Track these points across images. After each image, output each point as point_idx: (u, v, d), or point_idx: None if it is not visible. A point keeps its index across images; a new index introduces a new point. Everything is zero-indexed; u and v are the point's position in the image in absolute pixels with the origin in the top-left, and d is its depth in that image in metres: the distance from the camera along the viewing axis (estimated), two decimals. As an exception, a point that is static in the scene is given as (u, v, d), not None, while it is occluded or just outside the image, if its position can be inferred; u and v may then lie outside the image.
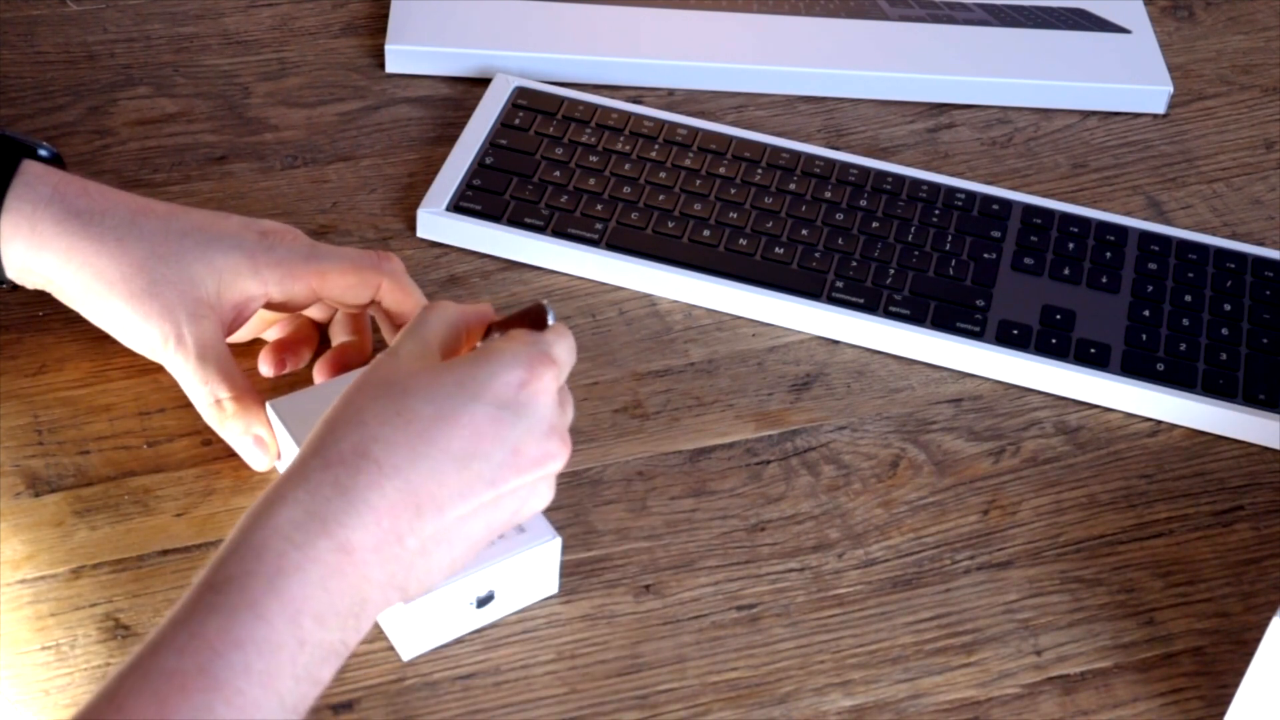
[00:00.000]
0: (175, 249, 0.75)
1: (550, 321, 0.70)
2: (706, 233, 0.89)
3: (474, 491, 0.65)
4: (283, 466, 0.77)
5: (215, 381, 0.75)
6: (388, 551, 0.62)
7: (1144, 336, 0.86)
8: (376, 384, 0.66)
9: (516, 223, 0.89)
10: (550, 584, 0.74)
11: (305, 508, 0.61)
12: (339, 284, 0.78)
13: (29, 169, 0.76)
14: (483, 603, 0.71)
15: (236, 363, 0.76)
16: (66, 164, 0.81)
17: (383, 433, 0.63)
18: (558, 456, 0.67)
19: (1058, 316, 0.87)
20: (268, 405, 0.76)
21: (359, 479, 0.62)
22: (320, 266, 0.77)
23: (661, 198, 0.90)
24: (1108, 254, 0.90)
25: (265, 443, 0.76)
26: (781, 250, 0.88)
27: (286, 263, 0.77)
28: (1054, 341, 0.85)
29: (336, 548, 0.61)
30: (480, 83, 0.99)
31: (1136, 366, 0.85)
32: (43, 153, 0.79)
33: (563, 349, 0.69)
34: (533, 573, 0.72)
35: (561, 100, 0.96)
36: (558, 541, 0.72)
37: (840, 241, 0.89)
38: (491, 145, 0.92)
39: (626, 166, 0.92)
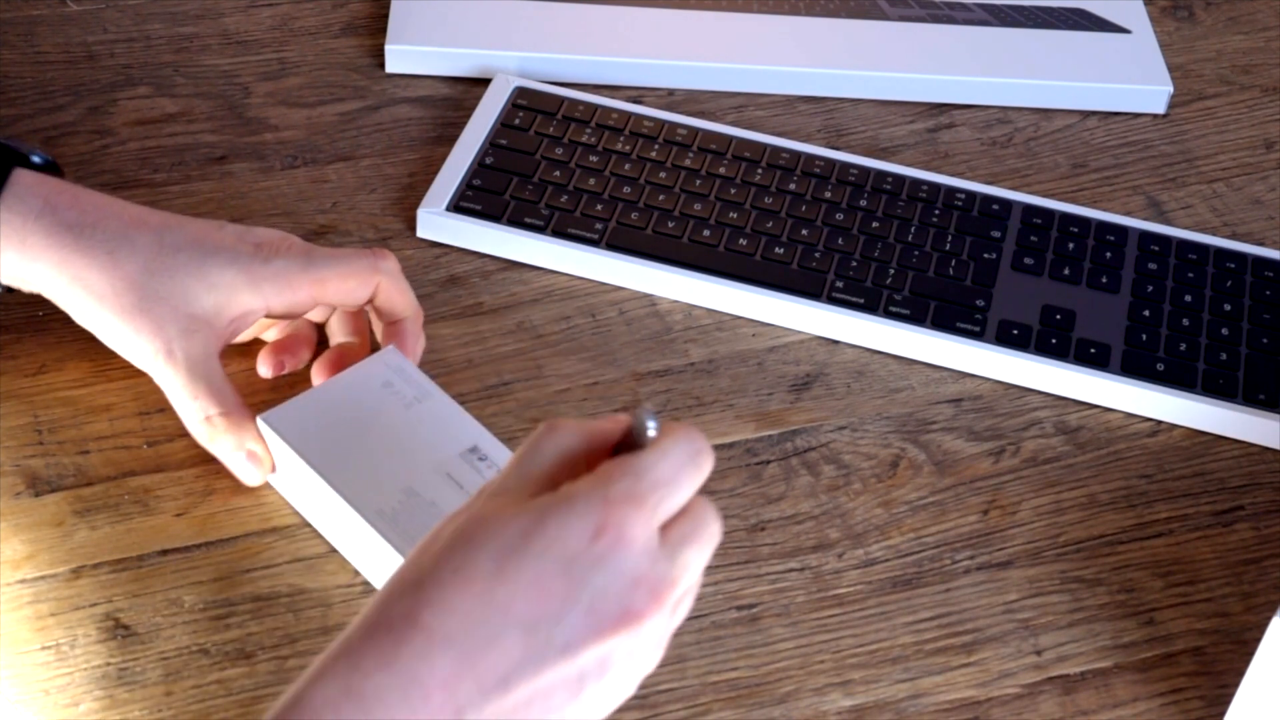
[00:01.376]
0: (169, 264, 0.74)
1: (651, 433, 0.59)
2: (706, 233, 0.89)
3: (545, 661, 0.56)
4: (277, 480, 0.76)
5: (204, 398, 0.74)
6: None
7: (1144, 336, 0.86)
8: (453, 532, 0.58)
9: (516, 223, 0.89)
10: None
11: (344, 683, 0.54)
12: (338, 289, 0.77)
13: (20, 179, 0.75)
14: None
15: (228, 377, 0.76)
16: (64, 168, 0.80)
17: (438, 595, 0.55)
18: (647, 612, 0.57)
19: (1058, 316, 0.87)
20: (259, 418, 0.75)
21: (404, 649, 0.54)
22: (318, 274, 0.76)
23: (661, 198, 0.90)
24: (1108, 254, 0.90)
25: (259, 457, 0.75)
26: (781, 250, 0.88)
27: (284, 275, 0.76)
28: (1054, 341, 0.85)
29: None
30: (480, 83, 0.99)
31: (1136, 366, 0.85)
32: (36, 159, 0.78)
33: (663, 466, 0.59)
34: None
35: (561, 100, 0.96)
36: None
37: (840, 241, 0.89)
38: (491, 145, 0.92)
39: (626, 166, 0.92)
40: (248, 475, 0.76)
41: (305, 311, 0.79)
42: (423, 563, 0.57)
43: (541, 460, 0.60)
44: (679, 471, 0.59)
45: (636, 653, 0.58)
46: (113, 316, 0.74)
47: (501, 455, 0.74)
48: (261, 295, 0.75)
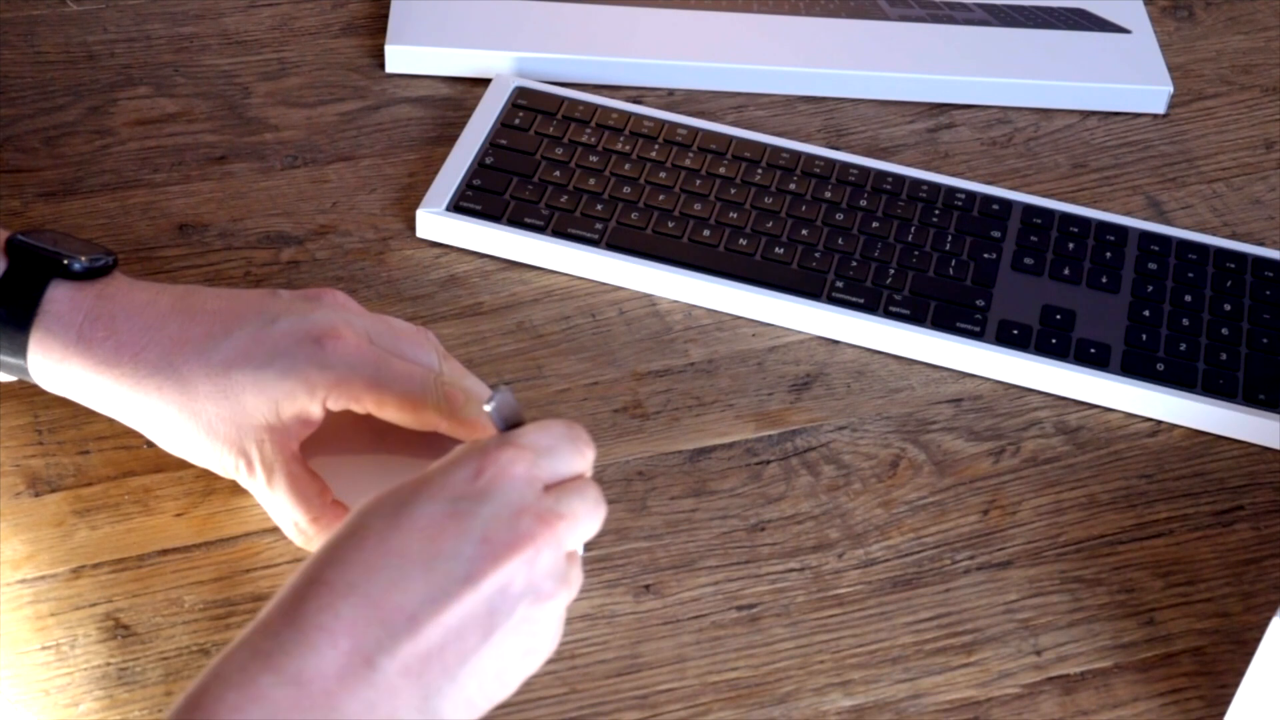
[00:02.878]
0: (221, 386, 0.69)
1: (494, 411, 0.63)
2: (706, 233, 0.89)
3: (448, 595, 0.57)
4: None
5: (289, 507, 0.71)
6: (358, 678, 0.55)
7: (1144, 336, 0.86)
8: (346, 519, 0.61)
9: (516, 223, 0.89)
10: None
11: (250, 647, 0.55)
12: (396, 415, 0.70)
13: (53, 304, 0.70)
14: None
15: (312, 477, 0.71)
16: (112, 260, 0.74)
17: (335, 554, 0.58)
18: (538, 536, 0.60)
19: (1058, 316, 0.87)
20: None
21: (307, 604, 0.56)
22: (380, 396, 0.69)
23: (661, 198, 0.90)
24: (1108, 254, 0.90)
25: None
26: (781, 250, 0.88)
27: (345, 384, 0.69)
28: (1054, 341, 0.85)
29: (284, 681, 0.54)
30: (480, 83, 0.99)
31: (1136, 366, 0.85)
32: (76, 266, 0.71)
33: (538, 435, 0.63)
34: None
35: (561, 100, 0.96)
36: None
37: (840, 241, 0.89)
38: (491, 145, 0.92)
39: (626, 166, 0.92)
40: None
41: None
42: (323, 544, 0.59)
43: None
44: (556, 442, 0.63)
45: (540, 590, 0.60)
46: (176, 442, 0.71)
47: None
48: (319, 400, 0.69)
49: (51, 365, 0.71)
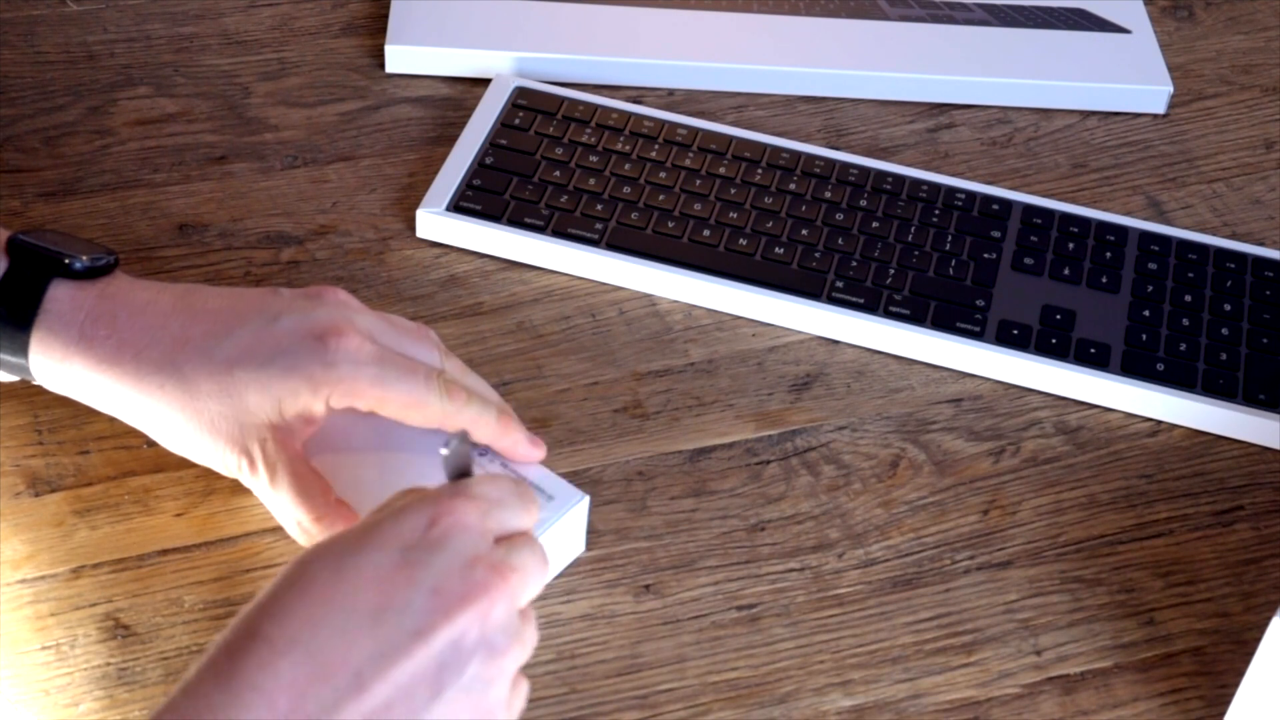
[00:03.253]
0: (224, 383, 0.69)
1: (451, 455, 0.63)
2: (706, 233, 0.89)
3: (397, 650, 0.55)
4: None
5: (292, 506, 0.70)
6: None
7: (1144, 336, 0.86)
8: (288, 565, 0.59)
9: (516, 223, 0.89)
10: (577, 544, 0.75)
11: (176, 711, 0.53)
12: (399, 413, 0.71)
13: (55, 302, 0.70)
14: None
15: (315, 476, 0.71)
16: (114, 260, 0.73)
17: (275, 606, 0.55)
18: (492, 587, 0.58)
19: (1058, 316, 0.87)
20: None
21: (243, 662, 0.53)
22: (382, 394, 0.69)
23: (661, 198, 0.90)
24: (1108, 254, 0.90)
25: None
26: (781, 250, 0.88)
27: (348, 381, 0.69)
28: (1054, 341, 0.85)
29: None
30: (480, 83, 0.99)
31: (1136, 366, 0.85)
32: (77, 265, 0.71)
33: (489, 487, 0.62)
34: (563, 539, 0.74)
35: (561, 100, 0.96)
36: (586, 501, 0.73)
37: (840, 241, 0.89)
38: (491, 145, 0.92)
39: (626, 166, 0.92)
40: None
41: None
42: (259, 595, 0.57)
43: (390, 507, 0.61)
44: (506, 495, 0.62)
45: (494, 646, 0.58)
46: (179, 441, 0.71)
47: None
48: (322, 396, 0.69)
49: (53, 364, 0.71)
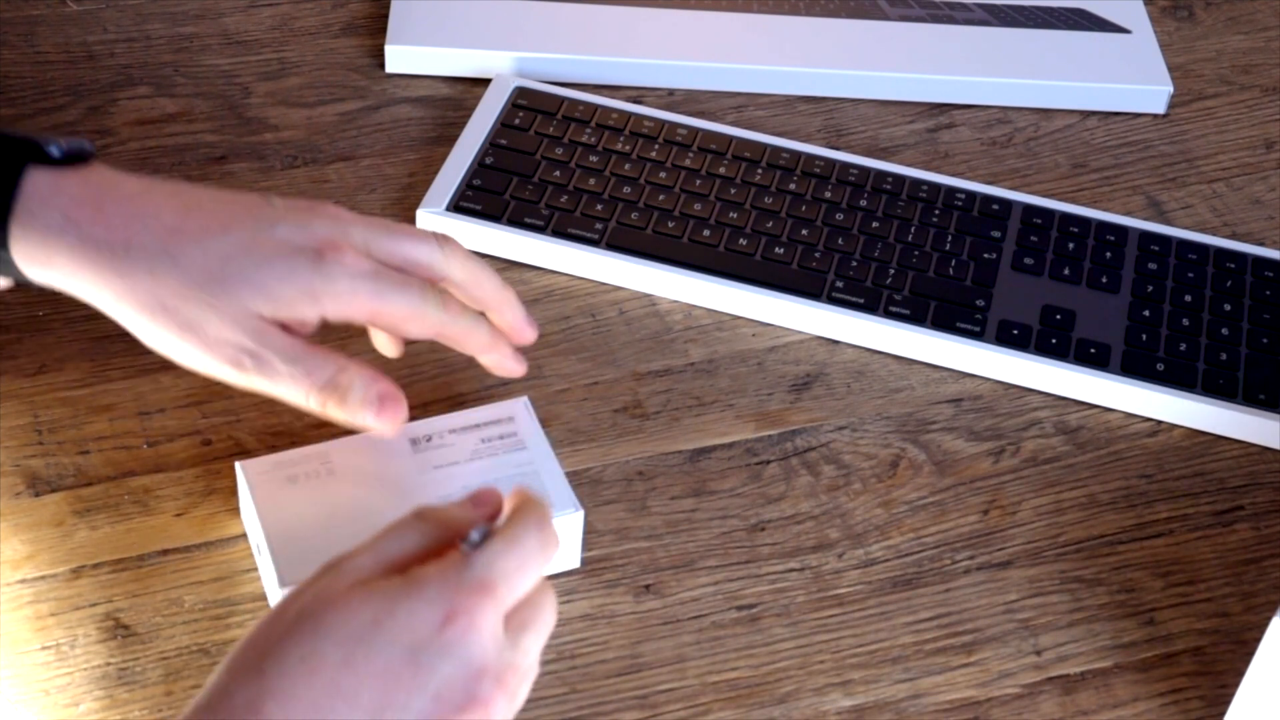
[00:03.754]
0: (218, 275, 0.66)
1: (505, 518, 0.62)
2: (706, 233, 0.89)
3: None
4: (251, 534, 0.74)
5: (312, 374, 0.68)
6: None
7: (1144, 336, 0.86)
8: (299, 611, 0.57)
9: (516, 223, 0.89)
10: (571, 558, 0.74)
11: None
12: (398, 325, 0.71)
13: (34, 186, 0.66)
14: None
15: (311, 350, 0.69)
16: (91, 149, 0.70)
17: (282, 685, 0.55)
18: (491, 701, 0.57)
19: (1058, 316, 0.87)
20: (237, 466, 0.73)
21: None
22: (380, 306, 0.69)
23: (661, 198, 0.90)
24: (1108, 254, 0.90)
25: (393, 398, 0.70)
26: (781, 250, 0.88)
27: (346, 295, 0.68)
28: (1054, 341, 0.85)
29: None
30: (480, 83, 0.99)
31: (1136, 366, 0.85)
32: (54, 150, 0.68)
33: (510, 562, 0.60)
34: None
35: (561, 100, 0.96)
36: (580, 515, 0.73)
37: (840, 241, 0.89)
38: (491, 145, 0.92)
39: (626, 166, 0.92)
40: (391, 420, 0.70)
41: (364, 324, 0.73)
42: (267, 646, 0.56)
43: (402, 546, 0.61)
44: (527, 559, 0.60)
45: None
46: (170, 335, 0.67)
47: None
48: (320, 308, 0.68)
49: (35, 253, 0.67)
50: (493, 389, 0.82)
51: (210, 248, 0.67)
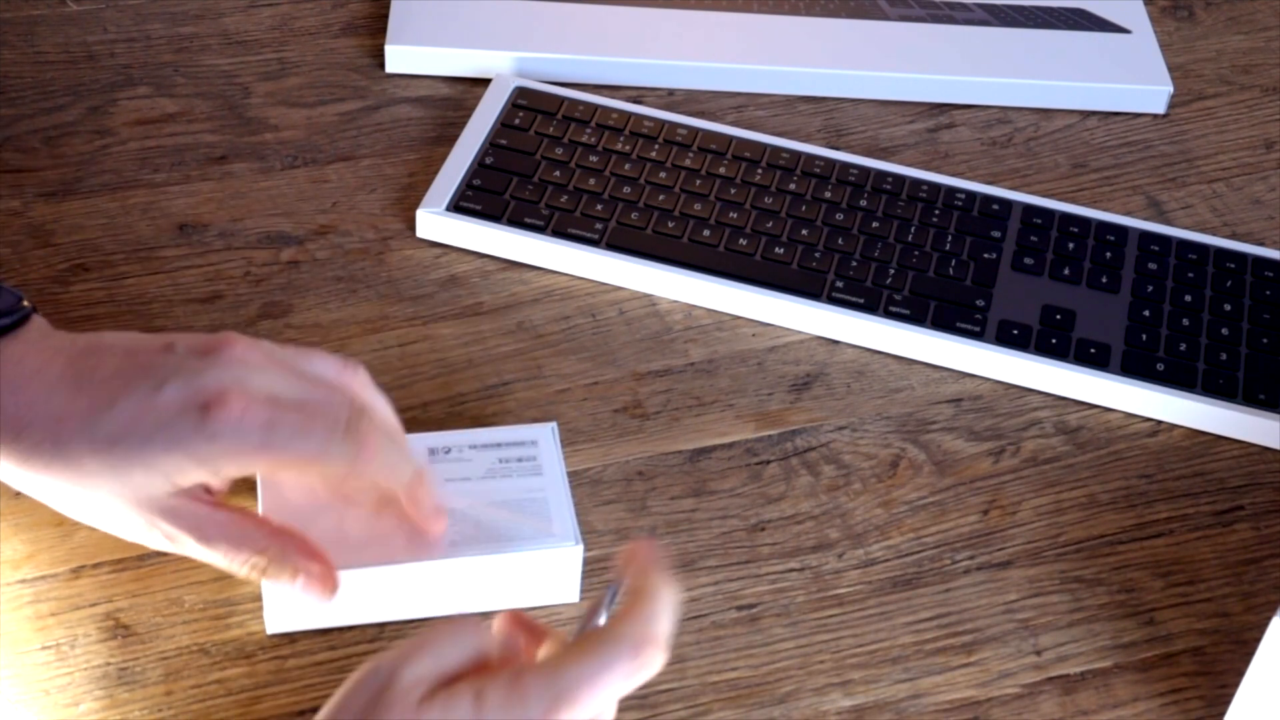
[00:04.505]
0: (106, 462, 0.64)
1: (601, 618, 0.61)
2: (706, 233, 0.89)
3: None
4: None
5: (229, 554, 0.67)
6: None
7: (1144, 336, 0.86)
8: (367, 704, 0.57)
9: (516, 223, 0.89)
10: (570, 591, 0.73)
11: None
12: (299, 472, 0.68)
13: None
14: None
15: (241, 518, 0.68)
16: (34, 305, 0.70)
17: None
18: None
19: (1058, 316, 0.87)
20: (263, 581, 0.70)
21: None
22: (274, 456, 0.65)
23: (661, 198, 0.90)
24: (1108, 254, 0.90)
25: (320, 576, 0.68)
26: (781, 250, 0.88)
27: (234, 453, 0.65)
28: (1054, 341, 0.85)
29: None
30: (480, 83, 0.99)
31: (1136, 366, 0.85)
32: None
33: (593, 690, 0.58)
34: (543, 574, 0.72)
35: (561, 100, 0.96)
36: (579, 550, 0.72)
37: (840, 241, 0.89)
38: (491, 145, 0.92)
39: (626, 166, 0.92)
40: (321, 596, 0.69)
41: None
42: None
43: (460, 655, 0.59)
44: (607, 689, 0.59)
45: None
46: (87, 516, 0.67)
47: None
48: (213, 470, 0.65)
49: None
50: (494, 389, 0.82)
51: (96, 434, 0.64)
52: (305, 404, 0.66)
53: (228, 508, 0.68)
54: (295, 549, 0.68)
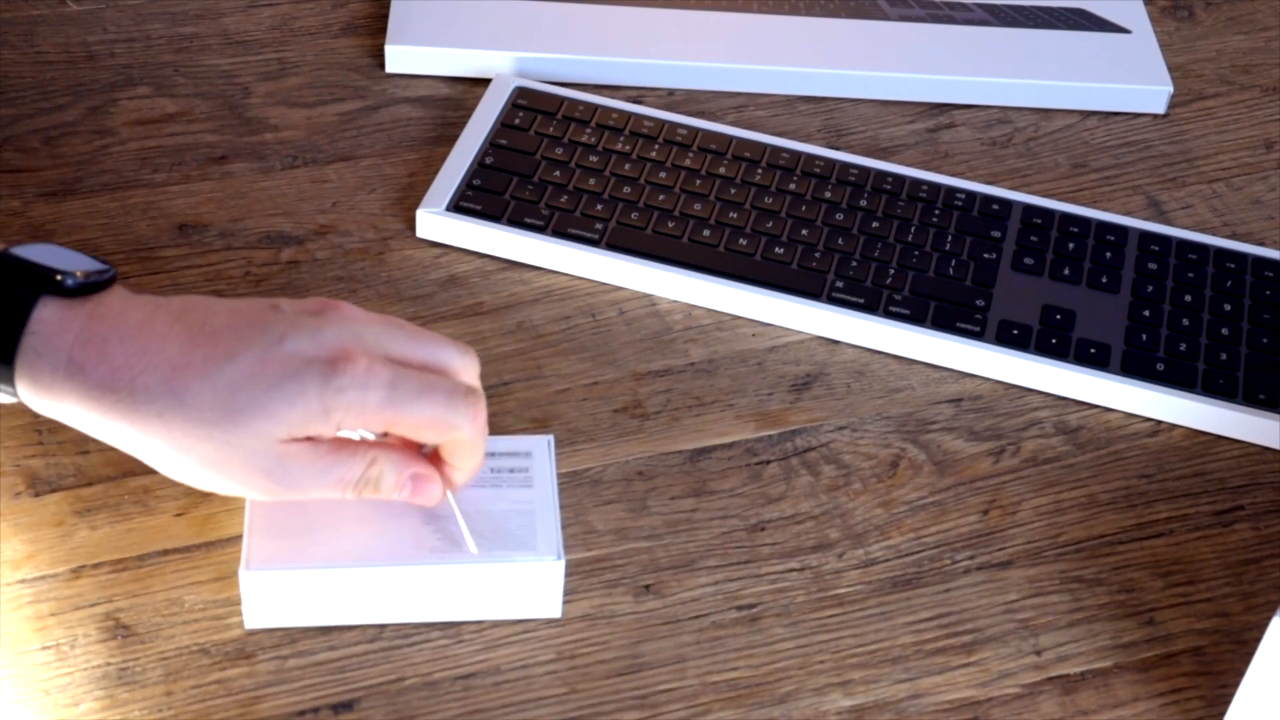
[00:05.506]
0: (229, 409, 0.65)
1: None
2: (706, 233, 0.89)
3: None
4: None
5: (338, 488, 0.68)
6: None
7: (1144, 336, 0.86)
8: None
9: (516, 223, 0.89)
10: (552, 606, 0.73)
11: None
12: (412, 431, 0.69)
13: (41, 322, 0.65)
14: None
15: (336, 450, 0.68)
16: (110, 274, 0.69)
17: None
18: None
19: (1058, 316, 0.87)
20: (240, 574, 0.70)
21: None
22: (395, 415, 0.67)
23: (661, 198, 0.90)
24: (1108, 254, 0.90)
25: (426, 478, 0.70)
26: (781, 250, 0.88)
27: (357, 407, 0.66)
28: (1054, 341, 0.85)
29: None
30: (480, 83, 0.99)
31: (1136, 366, 0.85)
32: (69, 282, 0.66)
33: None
34: (524, 587, 0.72)
35: (561, 100, 0.96)
36: (560, 565, 0.71)
37: (840, 241, 0.89)
38: (491, 145, 0.92)
39: (626, 166, 0.92)
40: (427, 498, 0.71)
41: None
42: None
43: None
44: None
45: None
46: (190, 471, 0.67)
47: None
48: (333, 424, 0.67)
49: (42, 391, 0.66)
50: (494, 389, 0.82)
51: (218, 381, 0.65)
52: (426, 366, 0.69)
53: (331, 445, 0.68)
54: (399, 460, 0.69)
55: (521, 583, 0.71)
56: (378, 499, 0.70)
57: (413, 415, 0.67)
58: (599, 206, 0.90)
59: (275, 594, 0.70)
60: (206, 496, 0.76)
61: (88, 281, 0.67)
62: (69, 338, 0.65)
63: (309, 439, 0.67)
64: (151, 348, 0.66)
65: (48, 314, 0.66)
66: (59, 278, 0.66)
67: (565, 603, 0.74)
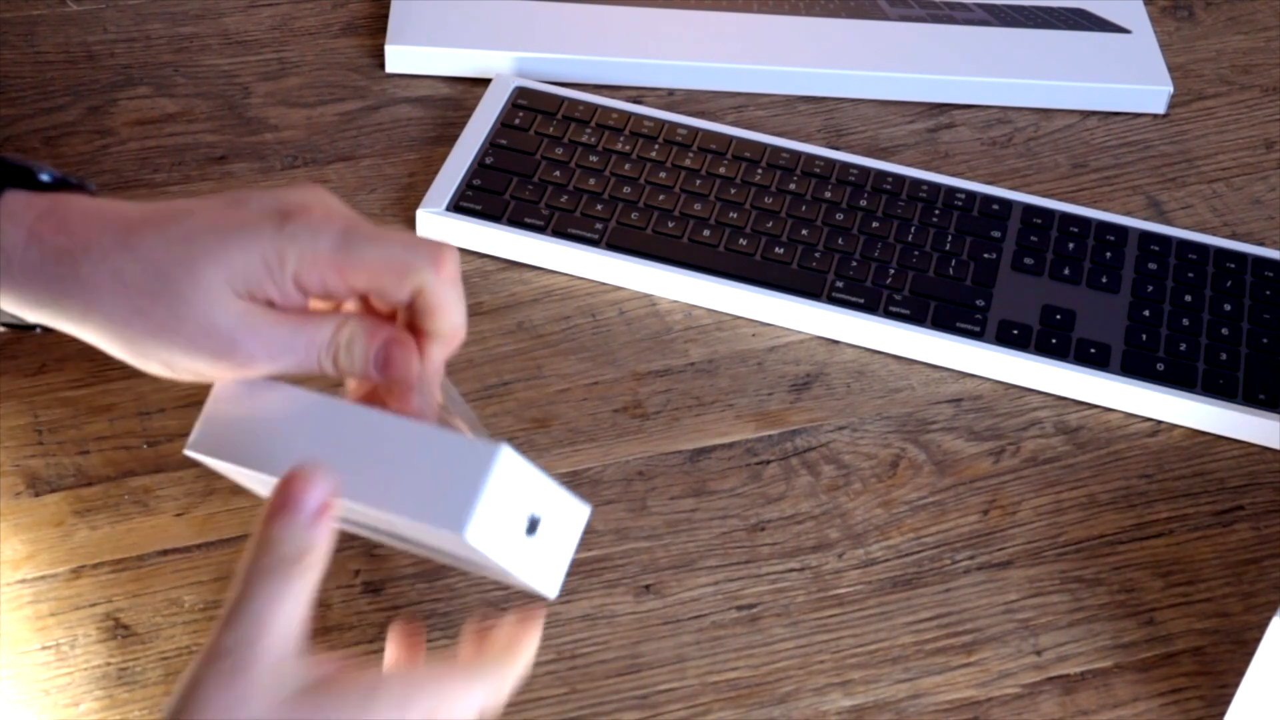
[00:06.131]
0: (183, 258, 0.62)
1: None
2: (706, 233, 0.89)
3: None
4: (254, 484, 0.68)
5: (307, 351, 0.64)
6: None
7: (1144, 336, 0.86)
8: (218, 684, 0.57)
9: (516, 223, 0.89)
10: (467, 499, 0.62)
11: None
12: (370, 280, 0.64)
13: (6, 205, 0.63)
14: (532, 527, 0.63)
15: (303, 312, 0.64)
16: (90, 186, 0.70)
17: None
18: None
19: (1058, 316, 0.87)
20: (187, 451, 0.65)
21: None
22: (348, 259, 0.63)
23: (661, 198, 0.90)
24: (1108, 254, 0.90)
25: (400, 343, 0.65)
26: (781, 250, 0.88)
27: (310, 254, 0.63)
28: (1054, 341, 0.85)
29: None
30: (480, 83, 0.99)
31: (1136, 366, 0.85)
32: (44, 176, 0.66)
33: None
34: (557, 531, 0.64)
35: (561, 100, 0.96)
36: (586, 510, 0.65)
37: (840, 241, 0.89)
38: (491, 145, 0.92)
39: (626, 166, 0.92)
40: (403, 369, 0.65)
41: (347, 296, 0.66)
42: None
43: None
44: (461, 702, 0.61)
45: None
46: (143, 345, 0.63)
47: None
48: (286, 274, 0.63)
49: (3, 270, 0.63)
50: (494, 389, 0.82)
51: (172, 233, 0.63)
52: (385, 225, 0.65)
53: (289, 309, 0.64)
54: (369, 325, 0.65)
55: (456, 462, 0.63)
56: (350, 372, 0.65)
57: (368, 259, 0.63)
58: (599, 206, 0.90)
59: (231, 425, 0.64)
60: (206, 496, 0.76)
61: (63, 179, 0.66)
62: (31, 214, 0.63)
63: (270, 303, 0.64)
64: (109, 214, 0.64)
65: (17, 197, 0.64)
66: (35, 172, 0.66)
67: (565, 603, 0.74)
